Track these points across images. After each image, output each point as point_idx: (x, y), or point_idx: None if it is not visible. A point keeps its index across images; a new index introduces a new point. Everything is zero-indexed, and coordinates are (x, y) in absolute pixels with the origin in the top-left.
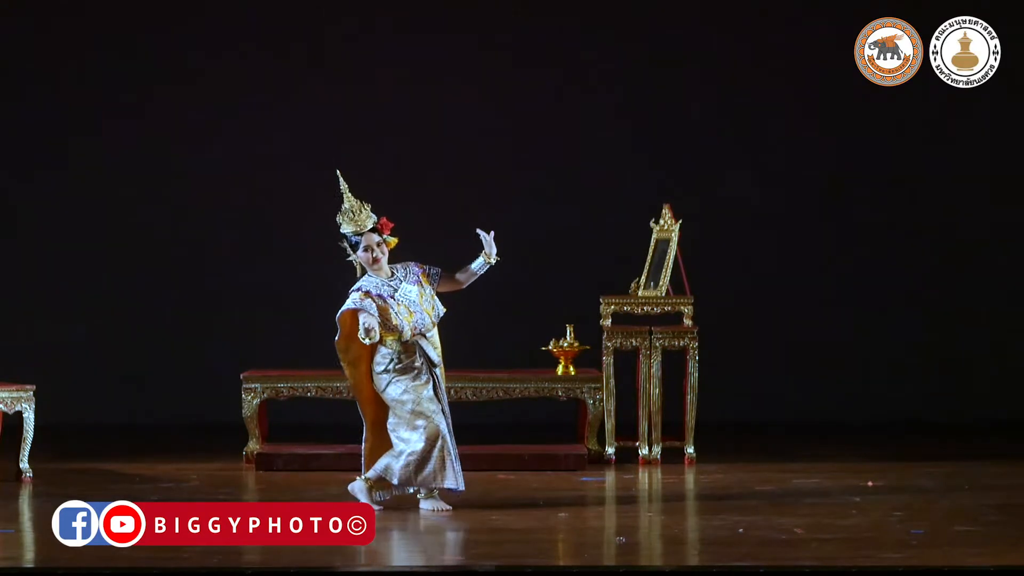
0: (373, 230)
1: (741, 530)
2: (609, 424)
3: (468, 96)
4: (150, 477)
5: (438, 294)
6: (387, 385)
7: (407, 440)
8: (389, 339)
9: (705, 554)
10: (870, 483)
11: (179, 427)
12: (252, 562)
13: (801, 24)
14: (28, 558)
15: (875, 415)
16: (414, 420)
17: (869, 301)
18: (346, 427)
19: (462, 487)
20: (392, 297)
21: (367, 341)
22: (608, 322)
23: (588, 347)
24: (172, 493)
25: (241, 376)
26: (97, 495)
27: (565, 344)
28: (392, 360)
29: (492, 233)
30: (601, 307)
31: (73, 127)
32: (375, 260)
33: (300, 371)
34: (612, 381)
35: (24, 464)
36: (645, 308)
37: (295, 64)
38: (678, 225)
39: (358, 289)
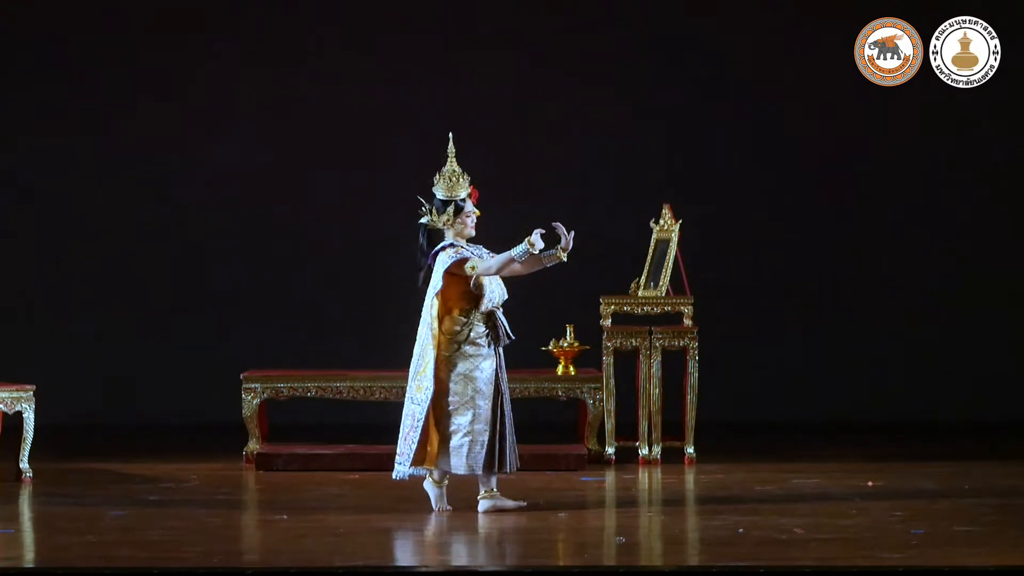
0: (464, 202)
1: (741, 530)
2: (609, 424)
3: (467, 96)
4: (150, 477)
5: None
6: (456, 359)
7: (463, 424)
8: (469, 307)
9: (705, 554)
10: (870, 483)
11: (179, 427)
12: (252, 562)
13: (801, 24)
14: (28, 558)
15: (876, 415)
16: (475, 399)
17: (869, 301)
18: (346, 427)
19: (511, 471)
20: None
21: (536, 250)
22: (608, 322)
23: (588, 347)
24: (172, 493)
25: (241, 376)
26: (97, 495)
27: (565, 344)
28: (471, 328)
29: (572, 233)
30: (601, 307)
31: (73, 126)
32: (471, 226)
33: (300, 371)
34: (612, 381)
35: (24, 464)
36: (645, 308)
37: (297, 65)
38: (678, 225)
39: (452, 245)
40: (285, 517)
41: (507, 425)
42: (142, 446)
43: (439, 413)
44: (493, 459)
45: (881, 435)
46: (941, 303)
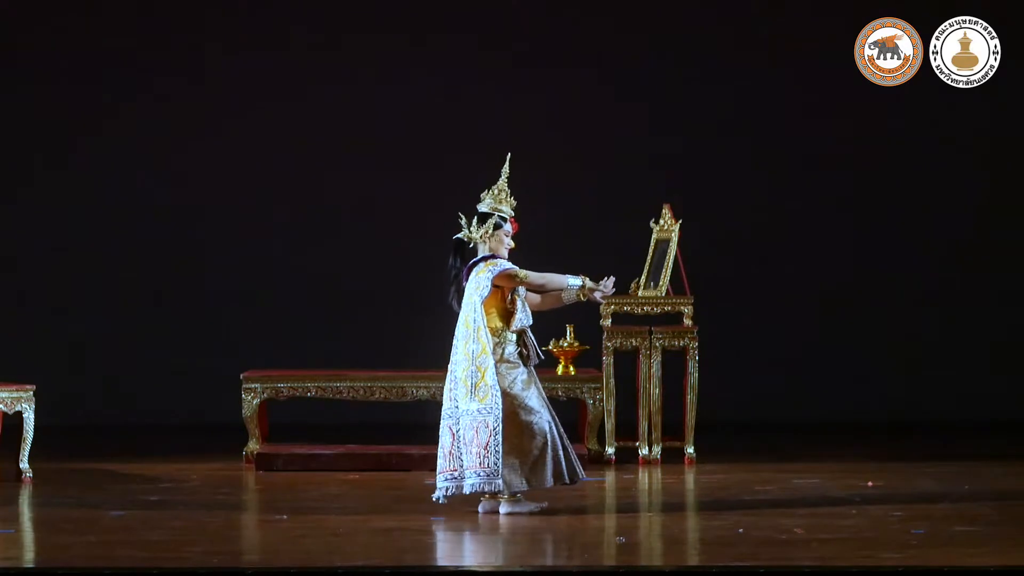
0: (504, 220)
1: (741, 530)
2: (609, 424)
3: (468, 95)
4: (150, 477)
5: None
6: (495, 376)
7: (516, 441)
8: (500, 326)
9: (705, 554)
10: (870, 483)
11: (179, 427)
12: (252, 562)
13: (801, 25)
14: (28, 558)
15: (876, 415)
16: (520, 415)
17: (869, 301)
18: (346, 427)
19: (576, 480)
20: None
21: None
22: (608, 322)
23: (588, 347)
24: (172, 493)
25: (241, 376)
26: (97, 495)
27: (565, 344)
28: (503, 347)
29: (611, 290)
30: (601, 307)
31: (73, 126)
32: (506, 246)
33: (300, 371)
34: (612, 381)
35: (24, 464)
36: (645, 308)
37: (297, 64)
38: (678, 225)
39: (492, 257)
40: (285, 517)
41: (562, 439)
42: (142, 446)
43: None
44: (561, 470)
45: (881, 435)
46: (940, 303)
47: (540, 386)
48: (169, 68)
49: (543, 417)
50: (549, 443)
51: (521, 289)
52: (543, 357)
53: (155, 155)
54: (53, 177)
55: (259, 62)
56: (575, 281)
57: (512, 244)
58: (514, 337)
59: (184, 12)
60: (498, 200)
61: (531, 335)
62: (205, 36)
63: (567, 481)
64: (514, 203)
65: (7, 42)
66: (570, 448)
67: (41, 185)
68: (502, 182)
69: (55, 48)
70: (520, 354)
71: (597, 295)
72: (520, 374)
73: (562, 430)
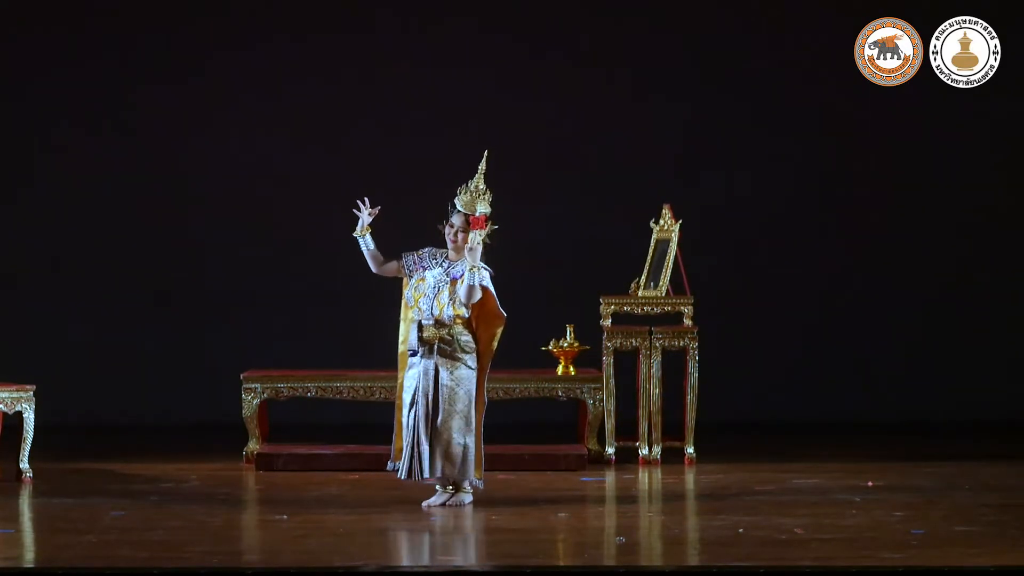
0: (467, 219)
1: (741, 530)
2: (609, 424)
3: (467, 94)
4: (150, 477)
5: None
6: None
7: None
8: (408, 317)
9: (705, 554)
10: (870, 483)
11: (179, 427)
12: (252, 562)
13: (801, 24)
14: (28, 558)
15: (875, 415)
16: (402, 408)
17: (869, 301)
18: (346, 427)
19: (411, 478)
20: (425, 271)
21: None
22: (608, 322)
23: (588, 347)
24: (172, 493)
25: (241, 376)
26: (97, 495)
27: (565, 344)
28: (402, 336)
29: (370, 210)
30: (601, 307)
31: (73, 125)
32: (453, 240)
33: (300, 371)
34: (612, 381)
35: (24, 464)
36: (645, 308)
37: (295, 64)
38: (678, 225)
39: (417, 250)
40: (285, 517)
41: (416, 435)
42: (142, 446)
43: None
44: (409, 466)
45: (881, 435)
46: (940, 302)
47: (427, 379)
48: (169, 66)
49: (406, 412)
50: (406, 438)
51: (429, 280)
52: (417, 349)
53: (155, 154)
54: (52, 176)
55: (260, 60)
56: (357, 235)
57: (456, 240)
58: (413, 327)
59: (183, 10)
60: (464, 200)
61: (414, 328)
62: (207, 36)
63: (414, 478)
64: (482, 203)
65: (11, 36)
66: (423, 448)
67: (40, 184)
68: (476, 180)
69: (54, 46)
70: (415, 346)
71: (363, 216)
72: (410, 366)
73: (426, 428)
